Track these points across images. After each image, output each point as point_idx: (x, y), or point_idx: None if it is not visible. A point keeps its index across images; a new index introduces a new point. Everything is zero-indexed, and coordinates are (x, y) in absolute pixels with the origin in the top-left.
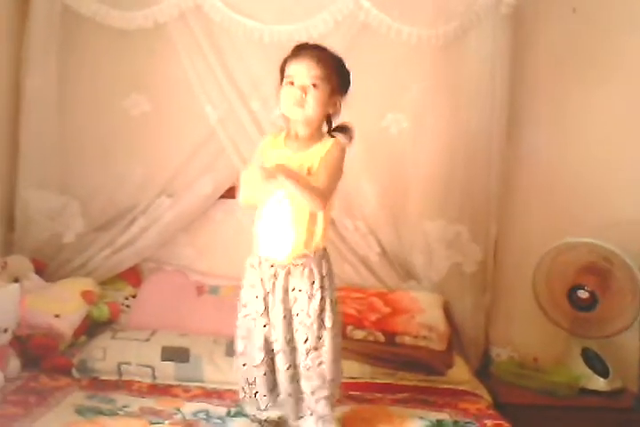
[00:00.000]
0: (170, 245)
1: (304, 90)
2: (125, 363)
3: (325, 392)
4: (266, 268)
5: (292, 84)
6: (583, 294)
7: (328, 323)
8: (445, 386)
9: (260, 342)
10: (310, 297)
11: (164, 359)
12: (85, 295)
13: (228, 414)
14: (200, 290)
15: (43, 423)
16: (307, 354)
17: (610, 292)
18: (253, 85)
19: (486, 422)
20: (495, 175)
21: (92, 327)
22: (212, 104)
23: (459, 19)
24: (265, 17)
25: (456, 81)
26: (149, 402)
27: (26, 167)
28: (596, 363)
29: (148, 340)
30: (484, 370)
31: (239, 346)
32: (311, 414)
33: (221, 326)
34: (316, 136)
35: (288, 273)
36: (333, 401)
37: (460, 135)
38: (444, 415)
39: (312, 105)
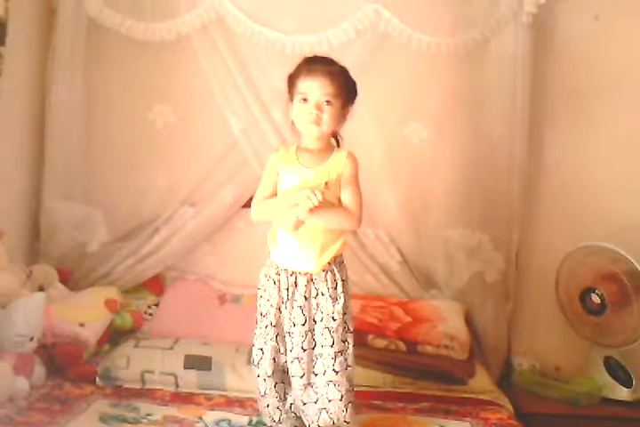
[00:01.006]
0: (192, 254)
1: (319, 108)
2: (149, 371)
3: (352, 397)
4: (284, 277)
5: (304, 100)
6: (595, 298)
7: (351, 326)
8: (467, 395)
9: (271, 354)
10: (334, 301)
11: (186, 368)
12: (109, 304)
13: (250, 423)
14: (222, 299)
15: None
16: (334, 358)
17: (624, 303)
18: (275, 96)
19: None
20: (516, 183)
21: (115, 336)
22: (236, 115)
23: (479, 27)
24: (286, 27)
25: (477, 90)
26: (172, 410)
27: (51, 178)
28: (618, 372)
29: (170, 348)
30: (505, 379)
31: (255, 357)
32: (333, 424)
33: (243, 335)
34: (326, 148)
35: (310, 280)
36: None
37: (480, 144)
38: (465, 425)
39: (328, 122)
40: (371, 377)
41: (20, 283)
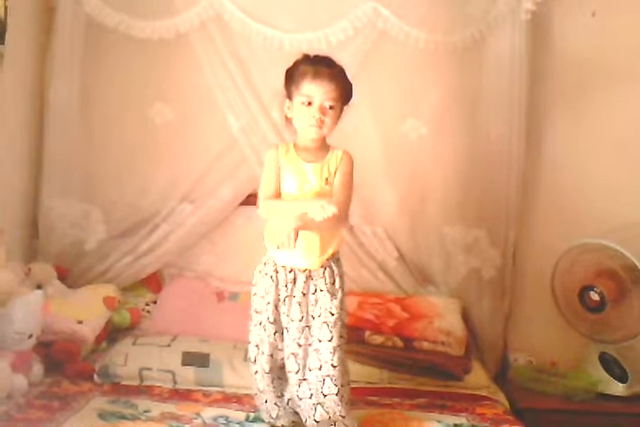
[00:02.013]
0: (191, 251)
1: (323, 112)
2: (146, 368)
3: (347, 391)
4: (283, 274)
5: (309, 104)
6: (594, 296)
7: (345, 321)
8: (463, 391)
9: (269, 350)
10: (333, 296)
11: (184, 364)
12: (107, 301)
13: (247, 419)
14: (220, 296)
15: None
16: (334, 353)
17: (622, 298)
18: (274, 94)
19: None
20: (514, 180)
21: (113, 333)
22: (234, 113)
23: (477, 25)
24: (285, 25)
25: (474, 87)
26: (170, 407)
27: (49, 175)
28: (614, 368)
29: (168, 345)
30: (501, 375)
31: (251, 354)
32: (329, 418)
33: (241, 332)
34: (323, 146)
35: (309, 276)
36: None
37: (478, 141)
38: (461, 420)
39: (329, 125)
40: (367, 373)
41: (18, 281)
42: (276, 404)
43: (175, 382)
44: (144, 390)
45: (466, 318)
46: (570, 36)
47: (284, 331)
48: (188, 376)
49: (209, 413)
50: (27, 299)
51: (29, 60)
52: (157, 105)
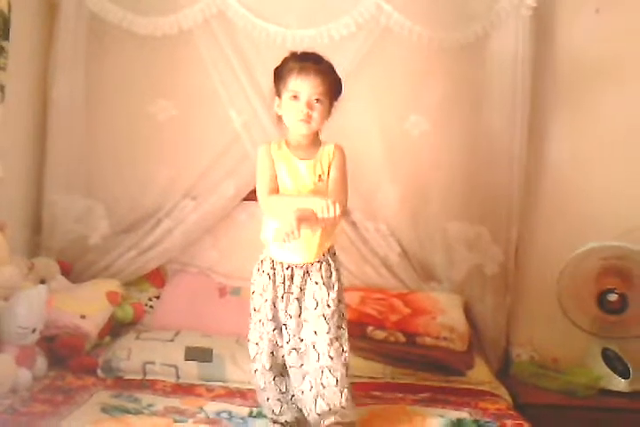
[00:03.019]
0: (193, 246)
1: (310, 106)
2: (150, 363)
3: (347, 383)
4: (280, 270)
5: (295, 98)
6: (612, 297)
7: (345, 314)
8: (466, 386)
9: (269, 348)
10: (330, 289)
11: (187, 359)
12: (110, 296)
13: (250, 414)
14: (222, 291)
15: (71, 421)
16: (330, 344)
17: (635, 290)
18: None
19: (506, 422)
20: (516, 177)
21: (116, 328)
22: (237, 109)
23: (479, 21)
24: (287, 21)
25: (477, 83)
26: (173, 401)
27: (53, 171)
28: (616, 364)
29: (171, 340)
30: (504, 370)
31: (251, 352)
32: (329, 410)
33: (243, 327)
34: (314, 142)
35: (306, 272)
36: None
37: (481, 137)
38: (464, 415)
39: (317, 120)
40: (370, 368)
41: (21, 275)
42: (279, 400)
43: (178, 377)
44: (147, 385)
45: (468, 313)
46: (573, 33)
47: (283, 327)
48: (191, 371)
49: (212, 407)
50: (30, 293)
51: (33, 56)
52: (160, 101)
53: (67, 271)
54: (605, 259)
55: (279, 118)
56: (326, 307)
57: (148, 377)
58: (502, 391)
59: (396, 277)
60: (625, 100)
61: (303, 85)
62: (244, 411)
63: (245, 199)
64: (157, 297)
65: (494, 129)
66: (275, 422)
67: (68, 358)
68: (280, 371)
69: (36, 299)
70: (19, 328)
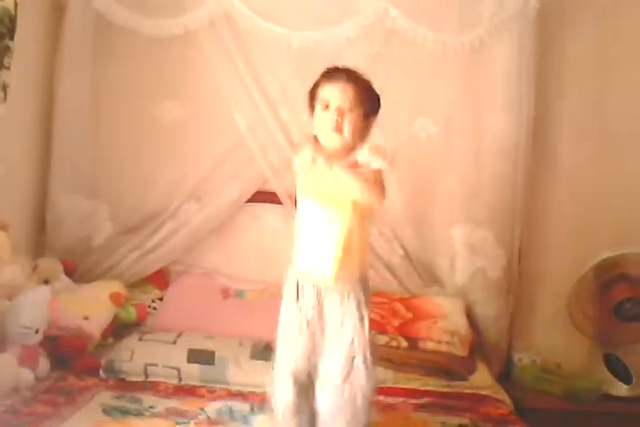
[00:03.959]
0: (197, 248)
1: (341, 113)
2: (152, 364)
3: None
4: (308, 297)
5: (326, 107)
6: (627, 305)
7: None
8: (468, 391)
9: (292, 364)
10: (359, 303)
11: (189, 361)
12: (114, 297)
13: (252, 410)
14: (225, 293)
15: (72, 422)
16: (362, 354)
17: None
18: (282, 93)
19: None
20: (521, 181)
21: (119, 329)
22: (242, 112)
23: (485, 24)
24: (293, 23)
25: (483, 86)
26: (175, 403)
27: (57, 171)
28: (618, 369)
29: (174, 342)
30: (506, 375)
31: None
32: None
33: (246, 329)
34: (354, 165)
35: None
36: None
37: (486, 141)
38: (465, 420)
39: (349, 130)
40: None
41: (25, 275)
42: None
43: (180, 379)
44: (149, 386)
45: (470, 317)
46: (578, 36)
47: (310, 342)
48: (193, 373)
49: (213, 406)
50: (34, 293)
51: (39, 56)
52: (165, 102)
53: (71, 272)
54: (617, 267)
55: (315, 139)
56: (358, 320)
57: (150, 379)
58: (504, 396)
59: (398, 280)
60: (631, 103)
61: (332, 92)
62: (246, 408)
63: (249, 201)
64: (160, 299)
65: (499, 132)
66: None
67: (70, 358)
68: (301, 387)
69: (39, 299)
70: (22, 328)
